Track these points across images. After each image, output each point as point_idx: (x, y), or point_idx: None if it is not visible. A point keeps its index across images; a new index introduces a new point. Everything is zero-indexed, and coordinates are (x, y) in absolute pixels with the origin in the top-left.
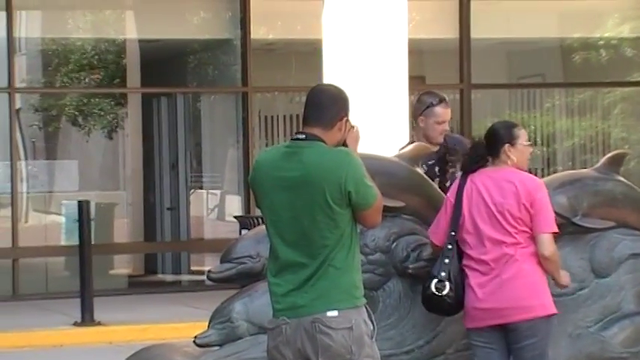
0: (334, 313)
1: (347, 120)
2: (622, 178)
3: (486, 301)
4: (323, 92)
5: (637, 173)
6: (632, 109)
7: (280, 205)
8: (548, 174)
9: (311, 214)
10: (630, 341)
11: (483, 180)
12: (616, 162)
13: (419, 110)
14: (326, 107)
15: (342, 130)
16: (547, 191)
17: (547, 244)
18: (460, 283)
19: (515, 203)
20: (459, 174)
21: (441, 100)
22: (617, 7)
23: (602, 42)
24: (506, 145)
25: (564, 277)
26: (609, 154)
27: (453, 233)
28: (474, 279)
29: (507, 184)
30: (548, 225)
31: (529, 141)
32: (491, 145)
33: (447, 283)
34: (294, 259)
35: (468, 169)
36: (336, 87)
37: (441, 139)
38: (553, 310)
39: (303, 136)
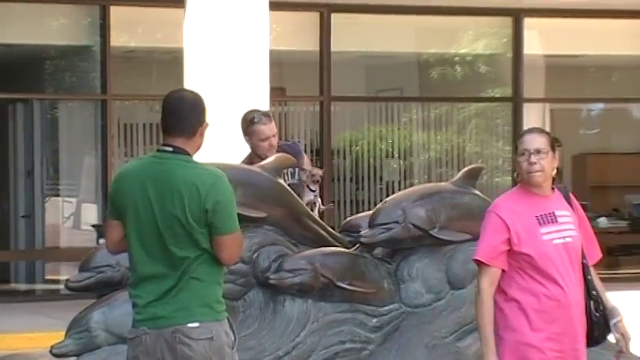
0: (195, 324)
1: (207, 124)
2: (478, 192)
3: None
4: (182, 101)
5: (491, 187)
6: (486, 125)
7: (144, 217)
8: (405, 187)
9: (172, 228)
10: None
11: None
12: (472, 176)
13: (243, 129)
14: (186, 116)
15: (204, 135)
16: (489, 216)
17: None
18: None
19: None
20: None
21: (261, 117)
22: (471, 24)
23: (457, 58)
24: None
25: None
26: (466, 168)
27: None
28: None
29: None
30: (474, 252)
31: (521, 150)
32: None
33: None
34: (156, 270)
35: None
36: (192, 92)
37: (271, 155)
38: None
39: (171, 149)
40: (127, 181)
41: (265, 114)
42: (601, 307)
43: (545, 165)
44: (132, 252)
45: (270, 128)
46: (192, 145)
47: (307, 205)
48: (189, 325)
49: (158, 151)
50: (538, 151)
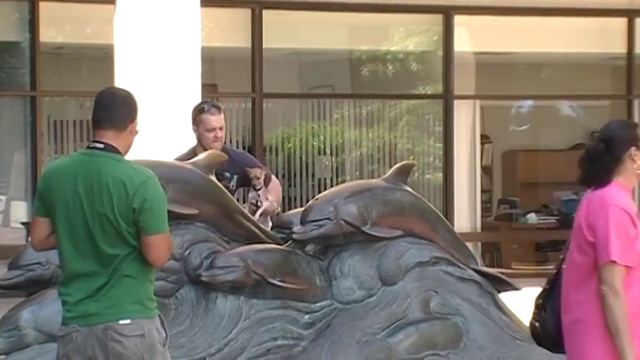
0: (126, 321)
1: (137, 123)
2: (409, 189)
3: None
4: (113, 94)
5: (422, 184)
6: (417, 122)
7: (74, 214)
8: (337, 183)
9: (101, 226)
10: (415, 347)
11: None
12: (404, 173)
13: (192, 119)
14: (117, 109)
15: (134, 133)
16: (617, 212)
17: (603, 277)
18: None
19: (585, 226)
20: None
21: (210, 107)
22: (402, 21)
23: (389, 55)
24: (632, 149)
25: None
26: (397, 165)
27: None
28: None
29: (592, 203)
30: (602, 254)
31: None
32: (611, 150)
33: (536, 310)
34: (87, 267)
35: (596, 182)
36: (124, 90)
37: (215, 147)
38: None
39: (102, 146)
40: (57, 178)
41: (215, 105)
42: None
43: None
44: (62, 249)
45: (217, 120)
46: (122, 142)
47: (250, 203)
48: (121, 321)
49: (88, 147)
50: None
